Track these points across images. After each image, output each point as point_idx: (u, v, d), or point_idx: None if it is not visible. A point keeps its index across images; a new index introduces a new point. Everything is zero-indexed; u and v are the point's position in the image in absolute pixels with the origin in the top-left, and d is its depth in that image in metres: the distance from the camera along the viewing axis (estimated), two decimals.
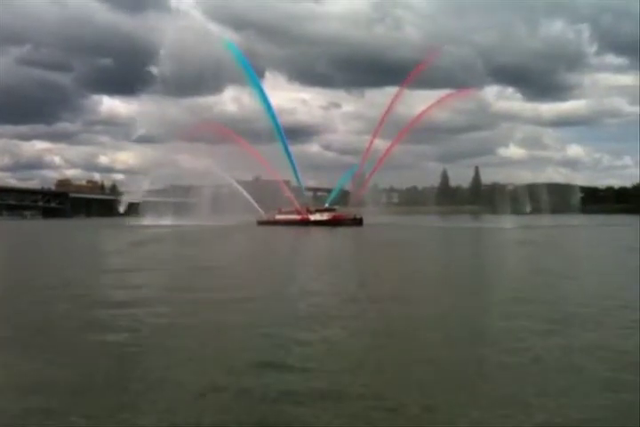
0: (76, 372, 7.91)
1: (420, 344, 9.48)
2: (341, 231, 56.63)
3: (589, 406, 6.50)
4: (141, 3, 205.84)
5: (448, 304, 13.15)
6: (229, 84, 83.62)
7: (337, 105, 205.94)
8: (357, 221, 67.97)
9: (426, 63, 69.33)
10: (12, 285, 17.86)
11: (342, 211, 75.14)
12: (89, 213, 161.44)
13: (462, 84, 68.41)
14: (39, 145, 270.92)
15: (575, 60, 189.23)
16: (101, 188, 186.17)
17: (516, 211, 66.14)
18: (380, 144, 78.33)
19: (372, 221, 67.91)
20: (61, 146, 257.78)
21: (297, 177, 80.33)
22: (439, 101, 72.14)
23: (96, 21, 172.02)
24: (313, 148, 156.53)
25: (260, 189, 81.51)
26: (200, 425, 6.06)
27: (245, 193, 78.97)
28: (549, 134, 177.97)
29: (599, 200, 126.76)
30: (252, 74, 76.43)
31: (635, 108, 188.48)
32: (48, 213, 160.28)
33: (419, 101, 76.23)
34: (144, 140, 73.53)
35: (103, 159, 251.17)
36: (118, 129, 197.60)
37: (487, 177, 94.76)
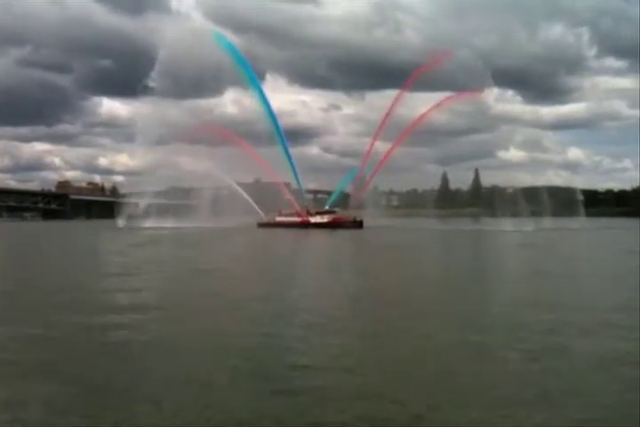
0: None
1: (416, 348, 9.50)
2: (341, 234, 56.63)
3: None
4: (142, 4, 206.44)
5: (447, 304, 13.17)
6: (230, 86, 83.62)
7: (337, 107, 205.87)
8: (357, 224, 67.98)
9: (435, 65, 69.27)
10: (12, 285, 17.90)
11: (342, 213, 75.17)
12: (89, 215, 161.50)
13: (463, 87, 68.44)
14: (39, 147, 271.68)
15: (575, 64, 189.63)
16: (102, 189, 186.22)
17: (516, 214, 66.04)
18: (381, 147, 78.49)
19: (373, 223, 67.92)
20: (61, 147, 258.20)
21: (297, 179, 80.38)
22: (439, 104, 72.24)
23: (96, 23, 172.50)
24: (313, 150, 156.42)
25: (261, 191, 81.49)
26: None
27: (245, 195, 79.03)
28: (549, 137, 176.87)
29: (599, 203, 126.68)
30: (252, 76, 76.62)
31: (634, 112, 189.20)
32: (48, 214, 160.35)
33: (419, 104, 76.41)
34: (144, 141, 72.88)
35: (103, 161, 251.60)
36: (118, 131, 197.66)
37: (487, 180, 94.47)
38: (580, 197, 73.21)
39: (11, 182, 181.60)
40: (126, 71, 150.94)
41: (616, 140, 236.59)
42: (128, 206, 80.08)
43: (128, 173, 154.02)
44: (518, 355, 8.63)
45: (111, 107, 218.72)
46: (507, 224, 60.63)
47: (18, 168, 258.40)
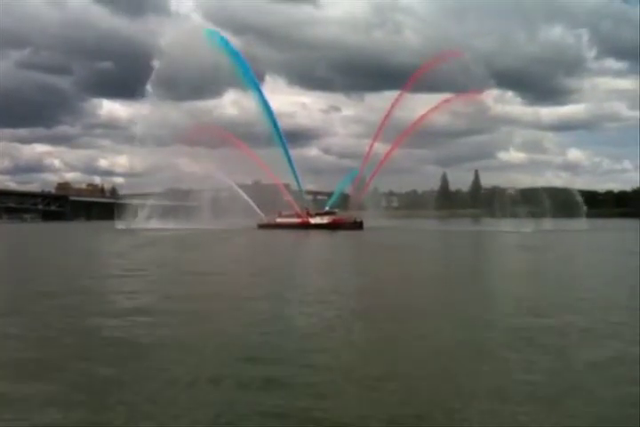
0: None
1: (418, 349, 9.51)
2: (341, 235, 56.64)
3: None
4: (141, 6, 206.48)
5: (447, 304, 13.19)
6: (229, 87, 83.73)
7: (337, 109, 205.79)
8: (357, 225, 67.96)
9: (435, 64, 69.26)
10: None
11: (342, 214, 75.15)
12: (89, 217, 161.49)
13: (462, 89, 68.49)
14: (39, 148, 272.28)
15: (575, 65, 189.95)
16: (101, 191, 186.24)
17: (516, 214, 66.08)
18: (380, 148, 78.54)
19: (372, 224, 67.90)
20: (61, 149, 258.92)
21: (297, 180, 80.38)
22: (439, 105, 72.30)
23: (96, 25, 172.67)
24: (312, 151, 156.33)
25: (260, 192, 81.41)
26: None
27: (246, 196, 79.03)
28: (549, 138, 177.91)
29: (599, 204, 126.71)
30: (251, 77, 76.67)
31: (634, 113, 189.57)
32: (48, 216, 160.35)
33: (419, 105, 76.44)
34: (144, 143, 72.92)
35: (103, 162, 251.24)
36: (118, 132, 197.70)
37: (487, 181, 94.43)
38: (579, 199, 73.16)
39: (10, 184, 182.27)
40: (126, 73, 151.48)
41: (616, 142, 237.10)
42: (128, 208, 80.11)
43: (128, 174, 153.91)
44: (518, 355, 8.64)
45: (111, 108, 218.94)
46: (507, 225, 60.58)
47: (18, 170, 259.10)
